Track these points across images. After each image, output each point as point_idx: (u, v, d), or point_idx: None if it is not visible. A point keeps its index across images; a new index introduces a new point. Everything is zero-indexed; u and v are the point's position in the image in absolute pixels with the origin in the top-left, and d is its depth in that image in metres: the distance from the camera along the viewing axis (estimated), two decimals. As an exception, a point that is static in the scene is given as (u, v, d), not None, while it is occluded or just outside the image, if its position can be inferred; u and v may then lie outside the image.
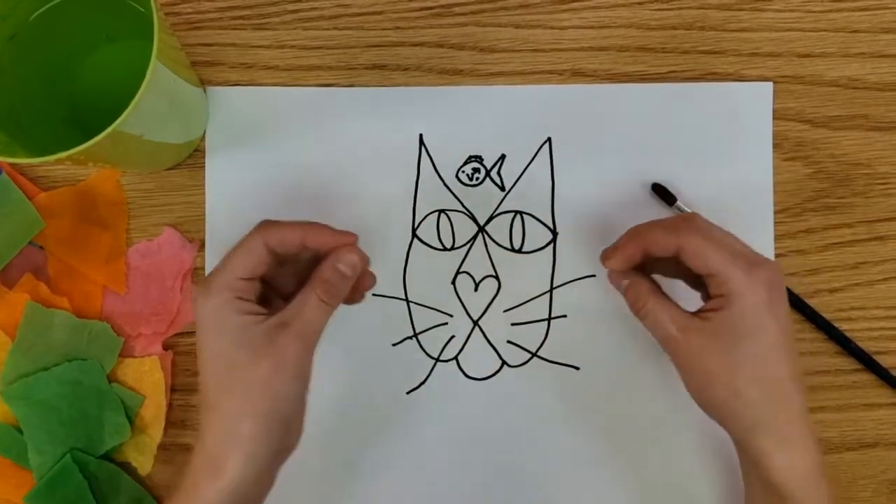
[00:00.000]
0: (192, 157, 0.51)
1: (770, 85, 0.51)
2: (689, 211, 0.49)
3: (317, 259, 0.42)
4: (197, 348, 0.40)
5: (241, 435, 0.38)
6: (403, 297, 0.50)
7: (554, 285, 0.50)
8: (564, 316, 0.50)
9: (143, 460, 0.49)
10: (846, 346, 0.50)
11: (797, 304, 0.50)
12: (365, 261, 0.42)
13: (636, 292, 0.42)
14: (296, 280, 0.43)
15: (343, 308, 0.50)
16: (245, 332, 0.39)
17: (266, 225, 0.41)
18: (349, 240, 0.42)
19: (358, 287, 0.43)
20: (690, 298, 0.43)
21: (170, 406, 0.50)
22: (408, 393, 0.50)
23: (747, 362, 0.38)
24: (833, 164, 0.51)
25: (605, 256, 0.43)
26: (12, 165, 0.50)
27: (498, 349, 0.50)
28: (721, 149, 0.50)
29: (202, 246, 0.50)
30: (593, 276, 0.50)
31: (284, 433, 0.39)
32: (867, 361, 0.50)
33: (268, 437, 0.38)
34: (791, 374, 0.39)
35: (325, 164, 0.51)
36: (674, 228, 0.41)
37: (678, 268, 0.42)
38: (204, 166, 0.51)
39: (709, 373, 0.39)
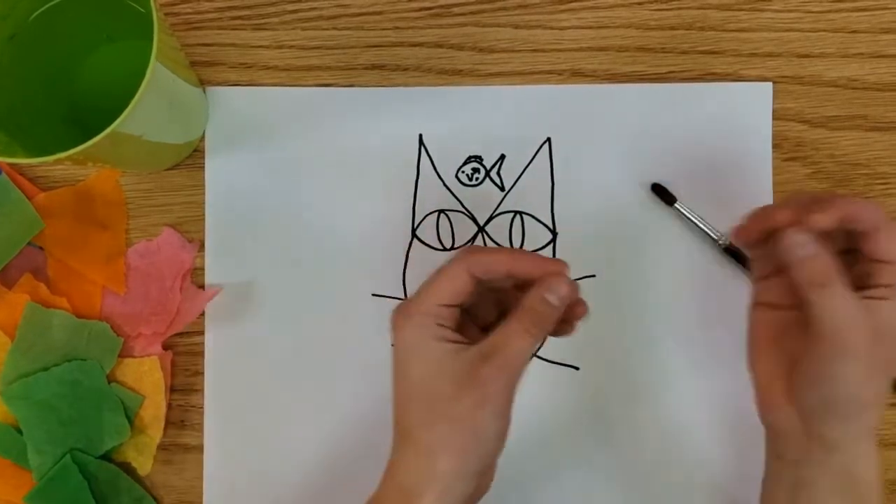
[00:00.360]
0: (192, 158, 0.51)
1: (769, 85, 0.51)
2: (687, 212, 0.49)
3: (519, 286, 0.39)
4: (394, 374, 0.39)
5: (438, 472, 0.36)
6: (403, 298, 0.50)
7: (553, 285, 0.50)
8: (564, 316, 0.50)
9: (142, 460, 0.49)
10: (846, 345, 0.50)
11: (797, 304, 0.50)
12: (575, 290, 0.39)
13: (823, 266, 0.38)
14: (495, 309, 0.41)
15: (343, 309, 0.50)
16: (446, 362, 0.37)
17: (470, 251, 0.39)
18: (558, 268, 0.39)
19: (568, 317, 0.40)
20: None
21: (169, 406, 0.50)
22: (407, 393, 0.50)
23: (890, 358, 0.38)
24: (832, 164, 0.51)
25: (795, 213, 0.39)
26: (12, 165, 0.50)
27: (497, 349, 0.50)
28: (721, 149, 0.50)
29: (202, 246, 0.50)
30: (593, 276, 0.50)
31: (481, 474, 0.38)
32: (867, 361, 0.50)
33: (465, 477, 0.37)
34: None
35: (324, 164, 0.51)
36: (874, 208, 0.39)
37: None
38: (203, 166, 0.51)
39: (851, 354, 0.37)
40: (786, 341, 0.40)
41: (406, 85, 0.51)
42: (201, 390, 0.50)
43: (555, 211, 0.50)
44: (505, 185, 0.51)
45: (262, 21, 0.51)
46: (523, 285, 0.39)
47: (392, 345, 0.39)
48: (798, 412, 0.39)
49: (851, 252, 0.40)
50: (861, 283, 0.39)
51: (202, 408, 0.50)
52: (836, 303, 0.37)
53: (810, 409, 0.39)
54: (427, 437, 0.37)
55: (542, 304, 0.38)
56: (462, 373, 0.37)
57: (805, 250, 0.38)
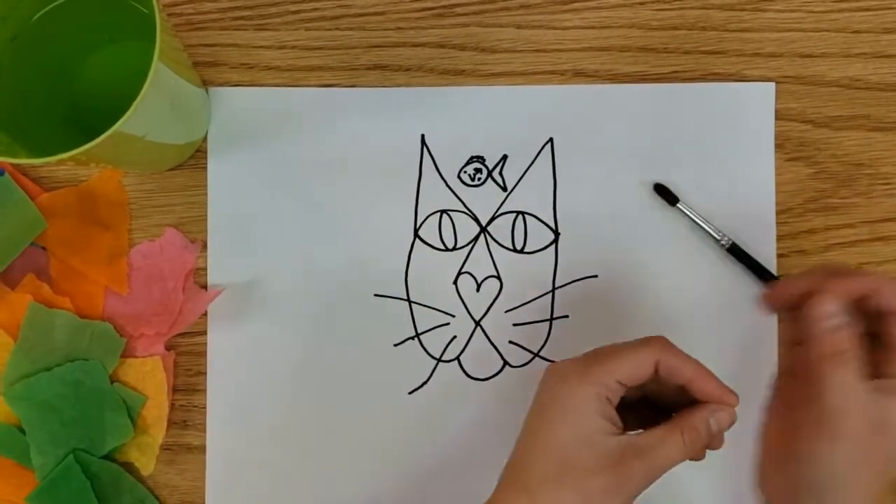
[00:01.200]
0: (194, 158, 0.51)
1: (772, 85, 0.50)
2: (689, 212, 0.49)
3: (680, 389, 0.39)
4: (535, 420, 0.39)
5: None
6: (405, 298, 0.50)
7: (556, 286, 0.50)
8: (566, 316, 0.50)
9: (145, 460, 0.49)
10: (848, 346, 0.49)
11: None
12: (733, 423, 0.39)
13: (840, 342, 0.38)
14: (639, 392, 0.41)
15: (345, 309, 0.50)
16: (599, 439, 0.37)
17: (664, 346, 0.39)
18: (731, 400, 0.39)
19: (708, 443, 0.40)
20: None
21: (172, 406, 0.50)
22: (409, 393, 0.50)
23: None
24: (835, 164, 0.50)
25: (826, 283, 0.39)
26: (14, 166, 0.50)
27: (500, 349, 0.50)
28: (723, 149, 0.50)
29: (204, 246, 0.50)
30: (595, 276, 0.50)
31: None
32: (869, 362, 0.49)
33: None
34: None
35: (326, 164, 0.51)
36: None
37: None
38: (206, 167, 0.51)
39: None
40: (796, 412, 0.39)
41: (408, 85, 0.51)
42: (204, 390, 0.50)
43: (557, 211, 0.50)
44: (507, 185, 0.51)
45: (265, 21, 0.51)
46: (688, 391, 0.39)
47: (544, 390, 0.39)
48: (784, 486, 0.39)
49: (874, 336, 0.39)
50: (877, 371, 0.38)
51: (204, 408, 0.50)
52: (841, 381, 0.37)
53: (794, 486, 0.38)
54: (548, 496, 0.37)
55: (705, 426, 0.38)
56: (610, 456, 0.37)
57: (828, 323, 0.38)
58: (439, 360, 0.50)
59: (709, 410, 0.39)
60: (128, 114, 0.37)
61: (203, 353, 0.50)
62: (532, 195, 0.50)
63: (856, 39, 0.51)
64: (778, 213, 0.50)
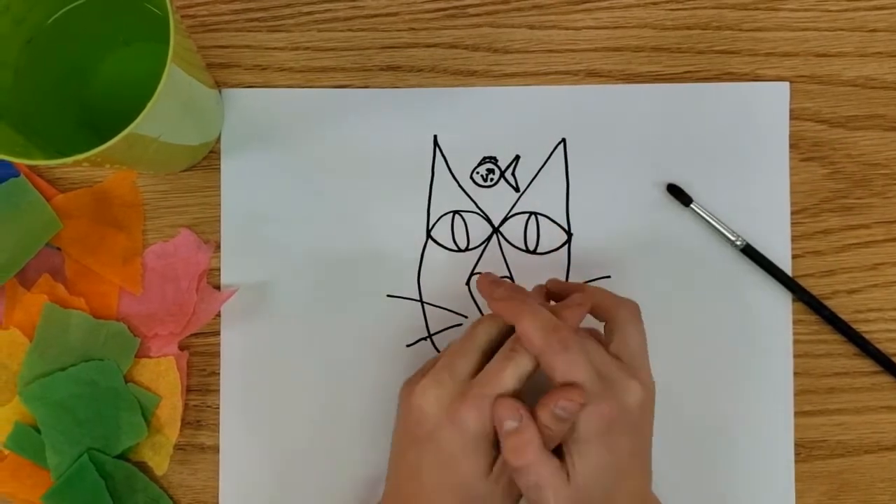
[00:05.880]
0: (208, 159, 0.51)
1: (786, 85, 0.50)
2: (703, 213, 0.49)
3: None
4: (430, 457, 0.39)
5: None
6: (418, 299, 0.50)
7: (569, 286, 0.50)
8: (579, 317, 0.50)
9: (159, 460, 0.50)
10: (864, 347, 0.49)
11: (814, 305, 0.49)
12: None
13: (525, 441, 0.38)
14: None
15: (358, 309, 0.50)
16: (487, 473, 0.39)
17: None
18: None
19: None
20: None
21: (185, 406, 0.50)
22: (422, 394, 0.50)
23: None
24: (850, 164, 0.50)
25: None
26: (30, 167, 0.50)
27: (512, 350, 0.50)
28: (737, 149, 0.50)
29: (217, 247, 0.51)
30: (608, 276, 0.50)
31: None
32: (886, 363, 0.49)
33: None
34: None
35: (339, 165, 0.51)
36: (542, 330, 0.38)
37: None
38: (219, 168, 0.51)
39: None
40: None
41: (421, 86, 0.51)
42: (217, 390, 0.50)
43: (570, 212, 0.50)
44: (520, 185, 0.50)
45: (278, 23, 0.51)
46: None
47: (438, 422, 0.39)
48: None
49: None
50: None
51: (218, 408, 0.50)
52: (537, 472, 0.37)
53: None
54: None
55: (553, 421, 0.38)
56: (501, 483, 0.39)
57: (509, 425, 0.38)
58: (452, 360, 0.50)
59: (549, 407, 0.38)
60: (142, 115, 0.37)
61: (217, 354, 0.50)
62: (545, 196, 0.50)
63: (871, 38, 0.50)
64: (793, 213, 0.50)
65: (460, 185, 0.51)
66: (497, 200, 0.50)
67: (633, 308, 0.42)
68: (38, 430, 0.49)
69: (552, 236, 0.50)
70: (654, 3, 0.51)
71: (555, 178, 0.50)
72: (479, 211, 0.50)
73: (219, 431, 0.50)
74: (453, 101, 0.51)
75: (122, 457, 0.49)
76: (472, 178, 0.51)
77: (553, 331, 0.38)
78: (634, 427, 0.39)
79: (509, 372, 0.38)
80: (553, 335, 0.38)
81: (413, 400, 0.40)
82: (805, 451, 0.50)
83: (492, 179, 0.51)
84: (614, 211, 0.50)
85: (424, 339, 0.50)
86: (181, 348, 0.50)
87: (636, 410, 0.39)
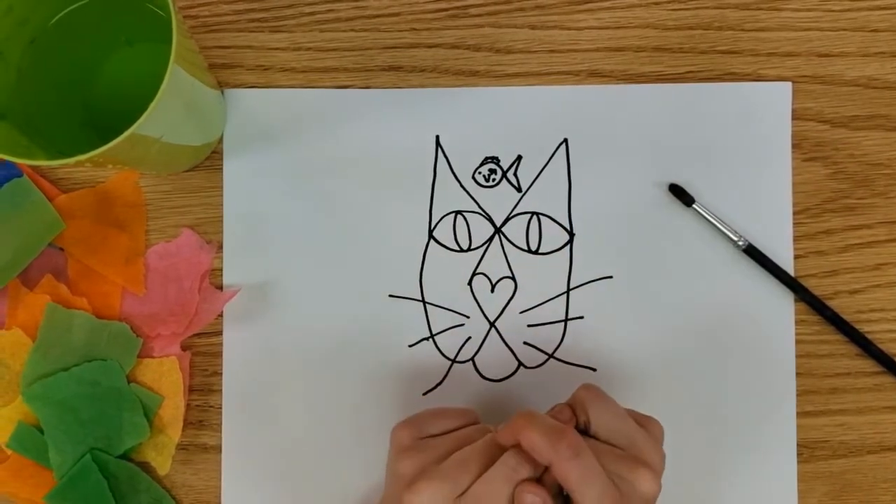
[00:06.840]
0: (210, 159, 0.51)
1: (789, 85, 0.50)
2: (705, 213, 0.49)
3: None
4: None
5: None
6: (420, 299, 0.50)
7: (571, 286, 0.50)
8: (581, 317, 0.50)
9: (161, 460, 0.50)
10: (867, 348, 0.49)
11: (817, 305, 0.49)
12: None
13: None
14: None
15: (360, 309, 0.50)
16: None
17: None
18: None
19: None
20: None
21: (188, 406, 0.50)
22: (424, 394, 0.50)
23: None
24: (853, 164, 0.50)
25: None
26: (32, 168, 0.50)
27: (514, 350, 0.50)
28: (739, 149, 0.50)
29: (220, 247, 0.51)
30: (610, 277, 0.50)
31: None
32: (888, 364, 0.49)
33: None
34: None
35: (342, 165, 0.51)
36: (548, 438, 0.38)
37: None
38: (222, 168, 0.51)
39: None
40: None
41: (423, 86, 0.51)
42: (219, 391, 0.50)
43: (572, 212, 0.50)
44: (522, 186, 0.50)
45: (280, 23, 0.51)
46: None
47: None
48: None
49: None
50: None
51: (220, 408, 0.50)
52: None
53: None
54: None
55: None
56: None
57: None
58: (454, 361, 0.50)
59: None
60: (145, 115, 0.37)
61: (219, 354, 0.50)
62: (547, 196, 0.50)
63: (874, 38, 0.50)
64: (795, 213, 0.50)
65: (462, 186, 0.51)
66: (499, 200, 0.50)
67: (592, 388, 0.42)
68: (41, 430, 0.49)
69: (554, 236, 0.50)
70: (656, 4, 0.51)
71: (557, 179, 0.50)
72: (480, 211, 0.50)
73: (221, 431, 0.50)
74: (455, 101, 0.51)
75: (125, 457, 0.50)
76: (474, 178, 0.51)
77: (559, 438, 0.37)
78: None
79: (507, 491, 0.38)
80: (560, 443, 0.37)
81: (406, 497, 0.39)
82: (807, 451, 0.50)
83: (494, 179, 0.51)
84: (616, 211, 0.50)
85: (426, 339, 0.50)
86: (183, 348, 0.50)
87: (651, 500, 0.39)
